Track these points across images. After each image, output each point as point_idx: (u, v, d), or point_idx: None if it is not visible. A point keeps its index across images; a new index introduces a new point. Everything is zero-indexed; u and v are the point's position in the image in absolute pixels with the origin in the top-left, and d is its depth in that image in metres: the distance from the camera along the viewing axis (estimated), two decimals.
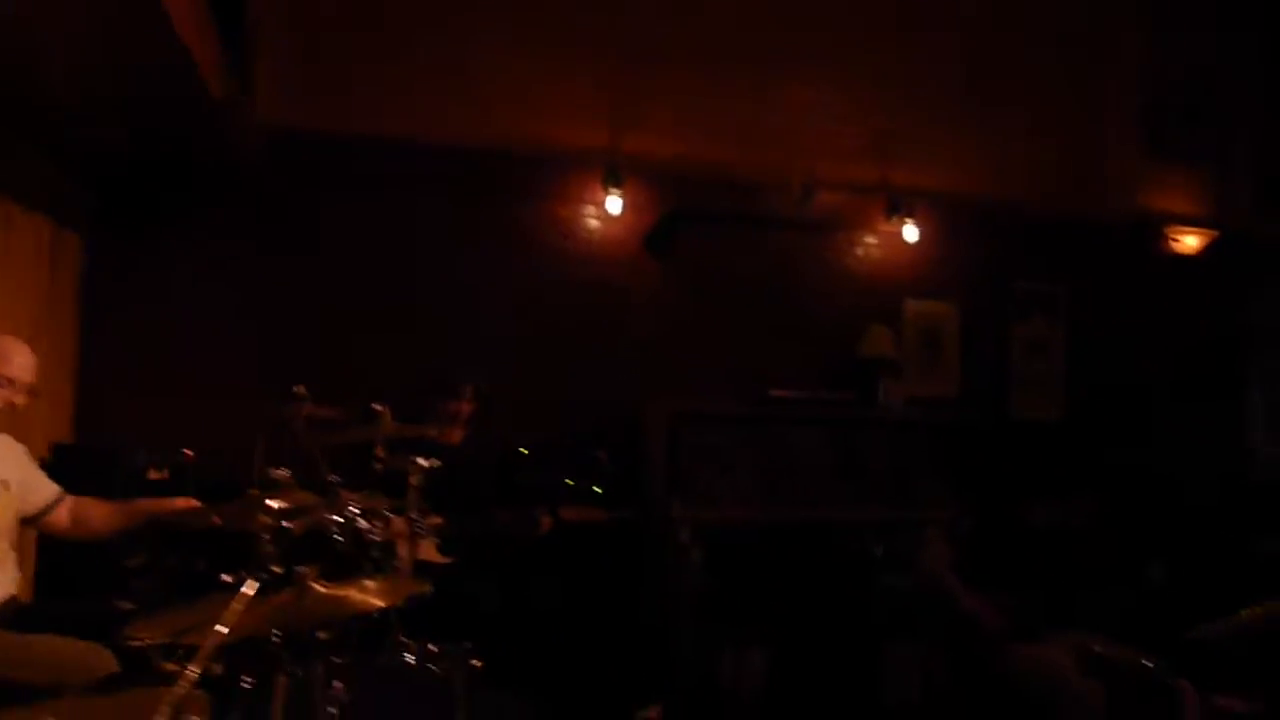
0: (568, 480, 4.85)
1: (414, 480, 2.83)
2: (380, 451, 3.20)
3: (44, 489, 3.05)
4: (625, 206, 5.32)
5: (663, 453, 5.04)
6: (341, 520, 2.76)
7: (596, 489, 4.88)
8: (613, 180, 5.25)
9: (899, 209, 5.71)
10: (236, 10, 4.16)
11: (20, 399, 2.86)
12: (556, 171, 5.31)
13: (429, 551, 4.10)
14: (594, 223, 5.40)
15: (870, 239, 5.88)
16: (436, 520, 4.20)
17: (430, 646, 2.69)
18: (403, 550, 2.85)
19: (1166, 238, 6.22)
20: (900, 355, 5.74)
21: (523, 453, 4.85)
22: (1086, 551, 4.28)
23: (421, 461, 2.86)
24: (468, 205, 5.16)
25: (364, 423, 3.33)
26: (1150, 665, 3.96)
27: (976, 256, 6.03)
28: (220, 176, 4.72)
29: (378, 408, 3.31)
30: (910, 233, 5.71)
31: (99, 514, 3.10)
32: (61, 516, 3.05)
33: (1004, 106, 5.97)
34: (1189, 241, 6.23)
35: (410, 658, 2.72)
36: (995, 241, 6.04)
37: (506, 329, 5.13)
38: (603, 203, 5.28)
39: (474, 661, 2.67)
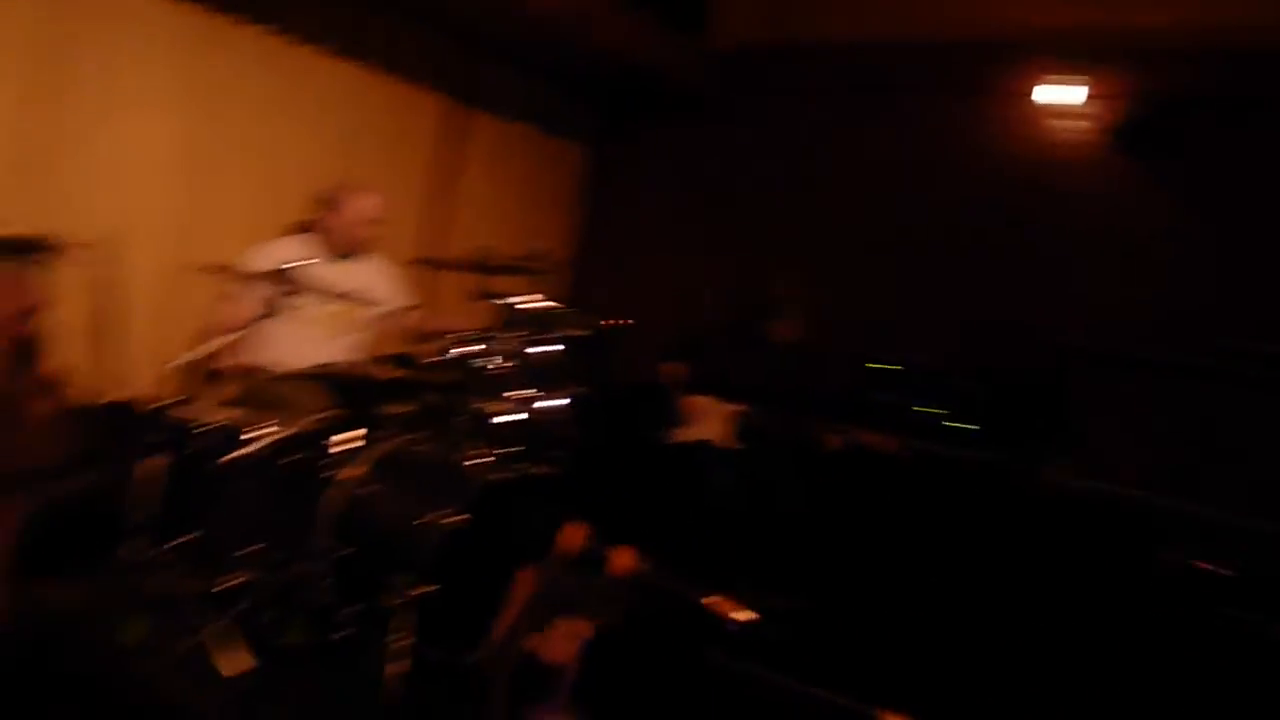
0: (922, 408, 4.38)
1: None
2: None
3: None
4: (1090, 96, 4.34)
5: (1051, 396, 4.15)
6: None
7: (965, 425, 4.29)
8: (1076, 62, 4.30)
9: None
10: None
11: (361, 231, 3.34)
12: (1004, 59, 4.57)
13: (723, 433, 4.26)
14: (1051, 119, 4.51)
15: None
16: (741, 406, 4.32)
17: None
18: None
19: None
20: None
21: (882, 369, 4.52)
22: None
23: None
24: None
25: None
26: None
27: None
28: (685, 99, 5.37)
29: None
30: None
31: None
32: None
33: None
34: None
35: None
36: None
37: (907, 235, 4.75)
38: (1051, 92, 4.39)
39: None
